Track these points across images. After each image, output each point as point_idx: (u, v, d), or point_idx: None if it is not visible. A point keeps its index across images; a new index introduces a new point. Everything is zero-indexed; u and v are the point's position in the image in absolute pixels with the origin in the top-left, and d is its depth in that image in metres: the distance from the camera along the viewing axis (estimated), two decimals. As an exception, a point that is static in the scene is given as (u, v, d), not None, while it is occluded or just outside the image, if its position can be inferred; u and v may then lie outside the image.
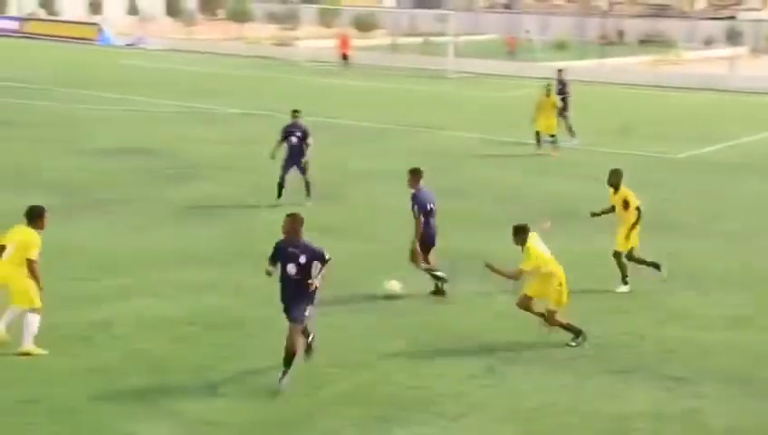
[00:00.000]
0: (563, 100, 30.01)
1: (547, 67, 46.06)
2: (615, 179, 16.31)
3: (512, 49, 61.73)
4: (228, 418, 11.09)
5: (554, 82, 30.59)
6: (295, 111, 21.51)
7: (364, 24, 71.58)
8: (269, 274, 11.94)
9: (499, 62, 56.22)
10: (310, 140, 21.11)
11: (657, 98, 45.44)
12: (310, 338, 12.35)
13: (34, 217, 12.79)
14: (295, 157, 21.04)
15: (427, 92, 44.81)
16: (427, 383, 12.20)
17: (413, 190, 15.31)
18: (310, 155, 21.09)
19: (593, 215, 16.69)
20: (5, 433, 10.66)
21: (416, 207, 15.13)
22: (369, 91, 45.51)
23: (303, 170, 21.11)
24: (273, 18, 74.60)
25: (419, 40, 62.11)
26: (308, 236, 11.97)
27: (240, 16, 73.49)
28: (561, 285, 13.40)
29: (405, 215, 15.56)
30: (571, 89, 31.15)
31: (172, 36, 68.30)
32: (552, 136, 28.59)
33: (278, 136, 21.43)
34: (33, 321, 12.65)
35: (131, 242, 18.05)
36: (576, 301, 13.96)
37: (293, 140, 21.08)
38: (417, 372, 12.59)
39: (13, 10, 76.61)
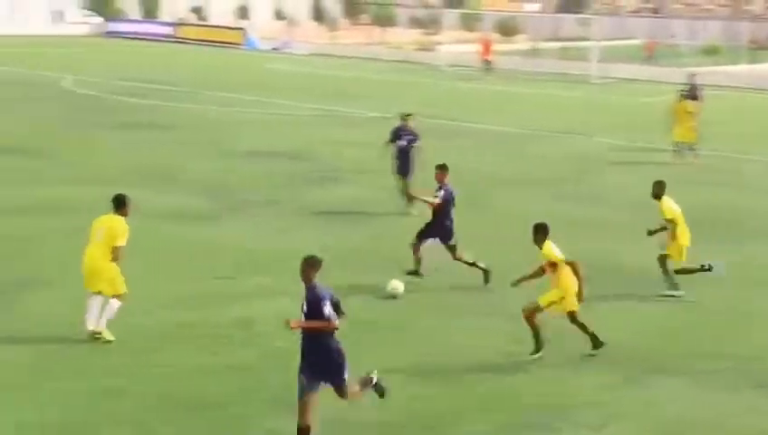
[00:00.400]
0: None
1: (693, 72, 44.81)
2: (656, 190, 15.81)
3: (650, 54, 60.35)
4: (371, 417, 11.15)
5: (689, 88, 29.77)
6: (406, 115, 21.49)
7: (506, 29, 71.20)
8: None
9: (643, 67, 55.07)
10: (418, 144, 20.93)
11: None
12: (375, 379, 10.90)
13: (121, 204, 13.26)
14: (405, 160, 20.86)
15: (568, 97, 44.26)
16: (568, 391, 12.03)
17: (440, 184, 16.01)
18: (416, 159, 20.77)
19: (649, 233, 16.16)
20: (149, 427, 10.97)
21: (442, 191, 15.91)
22: (510, 95, 45.21)
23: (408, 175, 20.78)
24: (415, 23, 74.99)
25: (568, 44, 61.38)
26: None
27: (383, 21, 74.20)
28: (563, 297, 12.91)
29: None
30: (702, 94, 30.14)
31: (316, 41, 69.42)
32: (690, 143, 27.71)
33: (387, 137, 21.36)
34: (114, 306, 13.08)
35: (275, 243, 18.36)
36: (718, 311, 13.54)
37: (403, 142, 20.99)
38: (557, 379, 12.42)
39: (164, 15, 79.20)
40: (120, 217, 13.21)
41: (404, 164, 20.86)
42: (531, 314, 13.00)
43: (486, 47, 53.89)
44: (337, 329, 10.13)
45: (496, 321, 14.48)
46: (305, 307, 10.16)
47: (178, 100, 38.48)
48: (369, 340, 13.45)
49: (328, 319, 10.05)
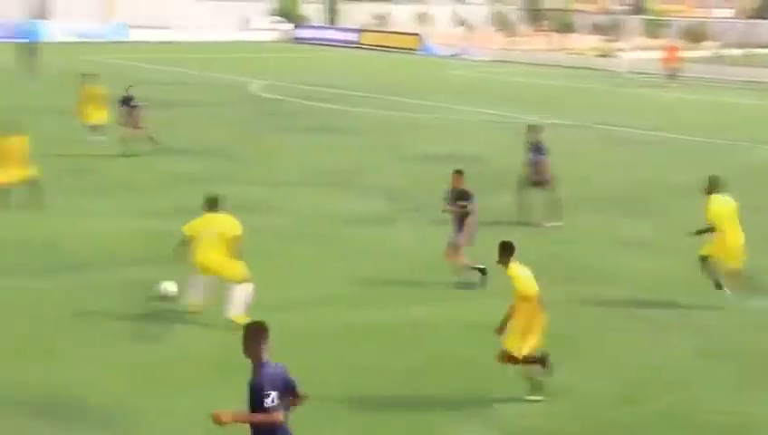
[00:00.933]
0: None
1: None
2: (707, 186, 15.25)
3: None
4: (544, 425, 11.26)
5: None
6: (534, 127, 21.35)
7: (693, 35, 69.34)
8: None
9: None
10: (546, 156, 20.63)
11: None
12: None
13: (216, 204, 14.11)
14: (537, 173, 20.57)
15: (753, 106, 42.88)
16: (747, 410, 11.81)
17: (459, 189, 16.35)
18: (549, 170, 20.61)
19: (697, 233, 15.54)
20: (308, 426, 11.25)
21: (474, 201, 16.27)
22: (694, 103, 44.13)
23: (545, 186, 20.60)
24: (596, 29, 74.00)
25: (755, 51, 59.30)
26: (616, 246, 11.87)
27: (563, 27, 73.55)
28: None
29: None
30: None
31: (495, 47, 69.47)
32: None
33: (525, 149, 21.15)
34: (249, 291, 13.72)
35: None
36: None
37: (532, 156, 20.73)
38: (737, 398, 12.21)
39: (346, 23, 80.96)
40: (225, 214, 14.08)
41: (538, 175, 20.55)
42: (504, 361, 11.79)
43: (672, 54, 52.51)
44: (281, 422, 8.13)
45: (669, 332, 14.34)
46: (247, 392, 8.25)
47: (360, 104, 39.34)
48: (566, 354, 13.45)
49: (268, 411, 8.07)
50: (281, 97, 41.06)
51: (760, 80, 51.20)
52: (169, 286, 14.26)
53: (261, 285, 14.15)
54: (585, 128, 34.95)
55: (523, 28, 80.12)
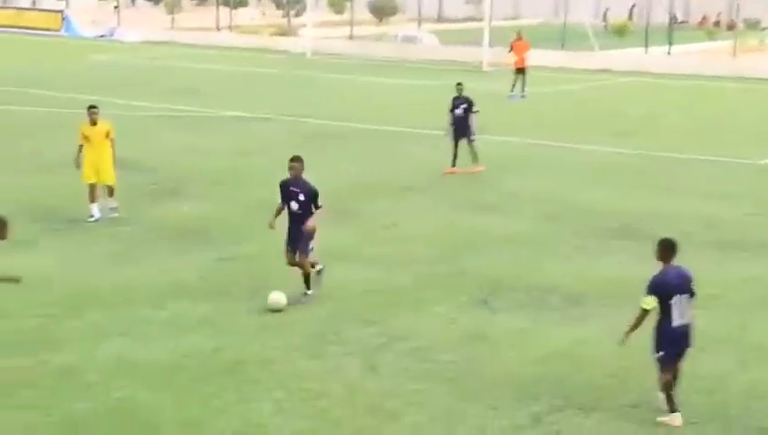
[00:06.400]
0: None
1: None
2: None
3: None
4: None
5: None
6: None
7: (381, 10, 71.45)
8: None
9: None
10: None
11: None
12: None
13: None
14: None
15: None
16: None
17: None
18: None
19: None
20: None
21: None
22: (386, 87, 45.53)
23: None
24: (273, 2, 74.91)
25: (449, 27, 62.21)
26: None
27: (235, 1, 73.67)
28: None
29: None
30: None
31: (151, 26, 68.69)
32: None
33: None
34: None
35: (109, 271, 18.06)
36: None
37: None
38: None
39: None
40: None
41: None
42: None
43: (522, 52, 44.82)
44: None
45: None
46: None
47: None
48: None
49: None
50: None
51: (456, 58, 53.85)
52: (280, 298, 16.06)
53: None
54: (269, 121, 35.17)
55: (187, 2, 79.85)
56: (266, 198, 23.34)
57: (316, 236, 16.42)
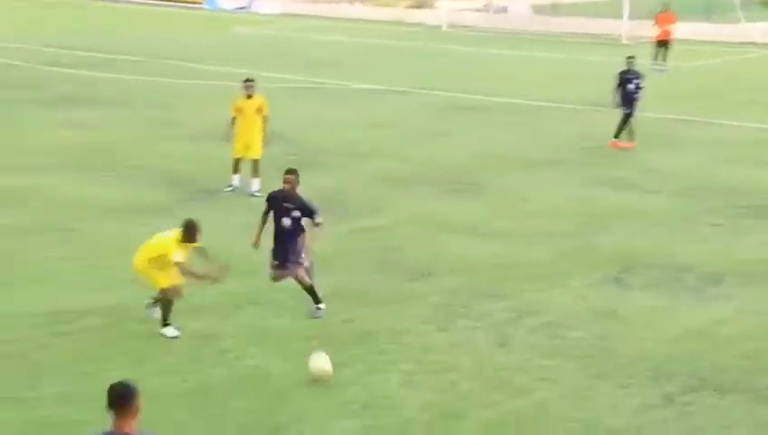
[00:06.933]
0: None
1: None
2: None
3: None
4: None
5: None
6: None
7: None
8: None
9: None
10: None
11: None
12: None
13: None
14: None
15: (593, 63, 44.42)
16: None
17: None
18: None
19: None
20: None
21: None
22: (525, 61, 45.22)
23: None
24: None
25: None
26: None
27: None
28: None
29: None
30: None
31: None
32: None
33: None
34: None
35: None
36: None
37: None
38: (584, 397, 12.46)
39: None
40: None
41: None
42: None
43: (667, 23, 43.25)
44: None
45: None
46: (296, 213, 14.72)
47: (126, 70, 38.36)
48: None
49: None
50: (16, 63, 39.62)
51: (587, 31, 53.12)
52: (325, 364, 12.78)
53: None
54: (404, 93, 35.24)
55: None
56: (399, 171, 23.73)
57: (310, 253, 14.91)
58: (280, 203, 14.82)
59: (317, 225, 14.82)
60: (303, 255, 14.74)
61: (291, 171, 14.96)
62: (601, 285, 16.47)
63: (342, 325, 14.62)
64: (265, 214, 15.04)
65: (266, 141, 21.80)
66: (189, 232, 13.76)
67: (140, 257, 14.04)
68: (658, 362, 13.47)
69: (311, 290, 14.83)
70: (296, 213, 14.71)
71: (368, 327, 14.54)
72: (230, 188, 21.69)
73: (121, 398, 7.26)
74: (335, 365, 12.95)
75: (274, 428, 11.60)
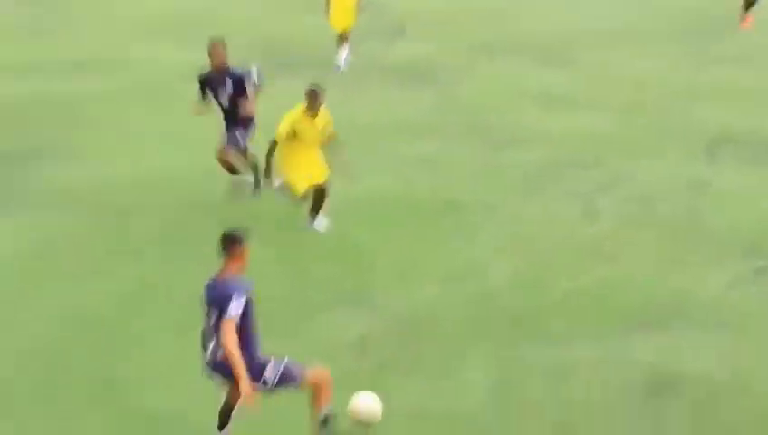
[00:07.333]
0: None
1: None
2: None
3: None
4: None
5: None
6: None
7: None
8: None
9: None
10: None
11: None
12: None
13: None
14: None
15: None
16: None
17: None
18: None
19: None
20: None
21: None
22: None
23: None
24: None
25: None
26: None
27: None
28: None
29: None
30: None
31: None
32: None
33: None
34: None
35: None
36: None
37: None
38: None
39: None
40: None
41: None
42: None
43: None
44: None
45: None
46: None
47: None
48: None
49: None
50: None
51: None
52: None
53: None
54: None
55: None
56: (488, 40, 23.44)
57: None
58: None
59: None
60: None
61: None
62: (694, 158, 16.25)
63: (431, 193, 14.57)
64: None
65: (358, 10, 21.61)
66: (312, 98, 12.81)
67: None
68: (751, 238, 13.30)
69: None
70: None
71: (456, 197, 14.49)
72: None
73: (228, 242, 8.18)
74: (423, 232, 13.00)
75: (358, 291, 11.65)
